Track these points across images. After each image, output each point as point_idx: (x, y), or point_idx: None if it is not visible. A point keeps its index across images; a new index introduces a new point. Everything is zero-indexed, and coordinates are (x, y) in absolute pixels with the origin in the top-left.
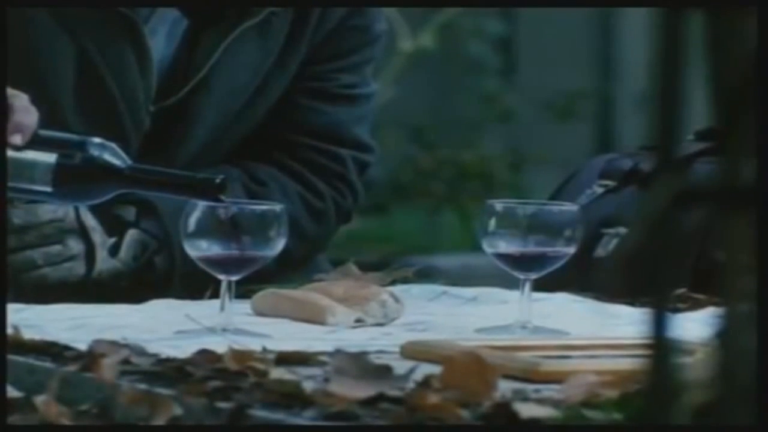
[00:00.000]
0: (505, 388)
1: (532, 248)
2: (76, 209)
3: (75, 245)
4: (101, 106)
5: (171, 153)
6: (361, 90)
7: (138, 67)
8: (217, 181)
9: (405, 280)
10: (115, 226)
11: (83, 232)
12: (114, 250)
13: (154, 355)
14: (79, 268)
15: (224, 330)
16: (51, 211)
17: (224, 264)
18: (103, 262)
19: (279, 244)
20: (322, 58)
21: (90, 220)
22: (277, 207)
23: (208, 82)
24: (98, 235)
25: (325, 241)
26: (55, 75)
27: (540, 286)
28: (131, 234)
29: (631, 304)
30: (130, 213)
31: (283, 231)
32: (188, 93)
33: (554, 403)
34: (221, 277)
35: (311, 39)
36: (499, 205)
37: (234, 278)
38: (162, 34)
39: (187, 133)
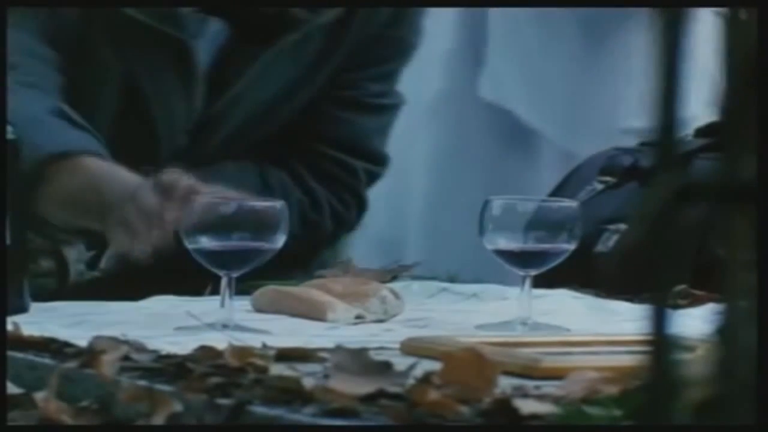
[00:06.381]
0: (505, 384)
1: (532, 245)
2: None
3: (44, 264)
4: (140, 131)
5: (189, 150)
6: (388, 100)
7: (184, 91)
8: None
9: (405, 277)
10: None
11: (55, 252)
12: (93, 263)
13: (154, 352)
14: (50, 283)
15: (224, 326)
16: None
17: (224, 260)
18: (79, 275)
19: (280, 241)
20: (354, 66)
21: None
22: (278, 203)
23: (239, 91)
24: (74, 252)
25: (316, 249)
26: (98, 98)
27: (540, 282)
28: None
29: (631, 300)
30: None
31: (283, 227)
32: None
33: (554, 400)
34: (221, 273)
35: (347, 47)
36: (499, 201)
37: (234, 275)
38: (205, 48)
39: (208, 135)
